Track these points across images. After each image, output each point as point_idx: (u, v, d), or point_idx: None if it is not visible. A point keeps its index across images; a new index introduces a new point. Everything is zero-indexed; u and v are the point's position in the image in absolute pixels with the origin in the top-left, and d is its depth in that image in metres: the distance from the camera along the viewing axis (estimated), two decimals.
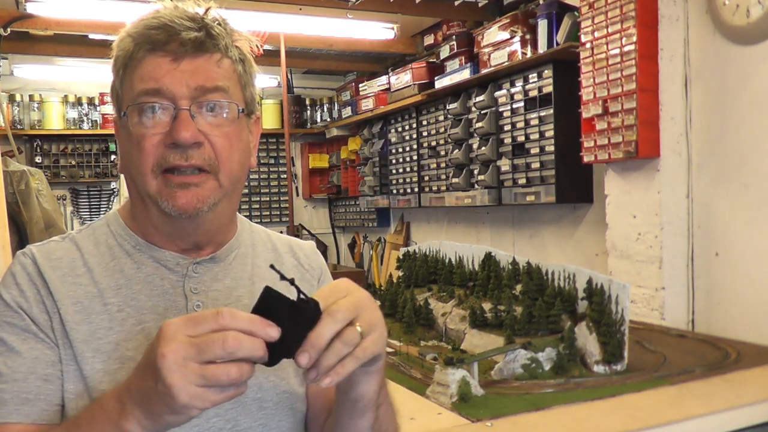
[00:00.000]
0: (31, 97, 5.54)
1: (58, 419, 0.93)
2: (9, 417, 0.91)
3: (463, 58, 4.10)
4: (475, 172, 3.93)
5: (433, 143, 4.48)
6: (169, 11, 0.96)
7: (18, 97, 5.50)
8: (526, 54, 3.49)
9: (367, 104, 5.20)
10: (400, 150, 4.91)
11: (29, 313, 0.95)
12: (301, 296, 0.77)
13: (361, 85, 5.35)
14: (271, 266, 0.81)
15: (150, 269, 1.02)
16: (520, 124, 3.54)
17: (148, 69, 0.95)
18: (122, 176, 5.81)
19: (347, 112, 5.64)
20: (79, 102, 5.65)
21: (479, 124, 3.80)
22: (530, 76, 3.46)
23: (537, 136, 3.40)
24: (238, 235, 1.11)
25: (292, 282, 0.78)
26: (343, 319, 0.78)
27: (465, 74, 3.98)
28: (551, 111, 3.30)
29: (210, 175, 0.96)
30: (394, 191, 5.00)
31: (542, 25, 3.37)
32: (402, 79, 4.70)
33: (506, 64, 3.57)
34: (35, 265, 0.99)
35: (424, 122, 4.61)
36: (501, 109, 3.69)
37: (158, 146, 0.95)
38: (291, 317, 0.76)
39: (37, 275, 0.98)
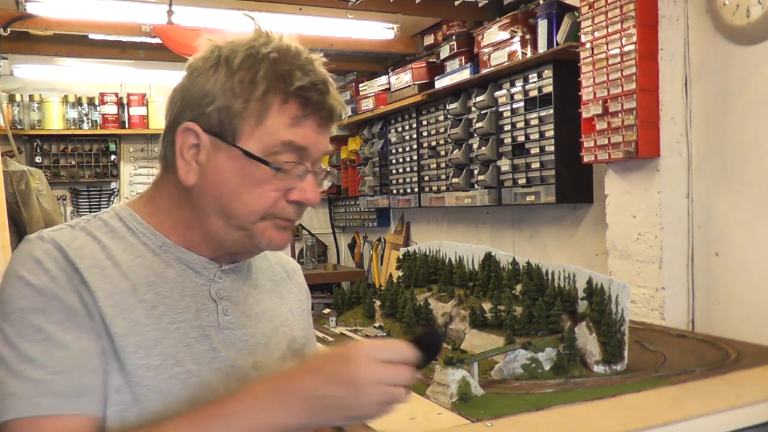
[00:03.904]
0: (31, 97, 5.53)
1: (104, 412, 0.91)
2: (64, 409, 0.87)
3: (463, 58, 4.09)
4: (475, 172, 3.93)
5: (433, 143, 4.48)
6: (305, 54, 1.06)
7: (18, 97, 5.49)
8: (526, 54, 3.48)
9: (367, 104, 5.20)
10: (400, 150, 4.91)
11: (67, 300, 0.90)
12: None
13: (361, 85, 5.35)
14: (436, 329, 1.09)
15: (178, 270, 1.02)
16: (520, 124, 3.54)
17: (304, 131, 0.99)
18: (122, 176, 5.74)
19: (347, 112, 5.64)
20: (79, 102, 5.64)
21: (479, 124, 3.80)
22: (530, 76, 3.46)
23: (537, 136, 3.40)
24: None
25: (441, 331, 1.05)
26: None
27: (465, 74, 3.98)
28: (551, 111, 3.30)
29: None
30: (394, 191, 5.00)
31: (542, 25, 3.37)
32: (402, 79, 4.69)
33: (506, 64, 3.56)
34: (61, 252, 0.93)
35: (424, 122, 4.60)
36: (501, 109, 3.68)
37: (280, 199, 1.00)
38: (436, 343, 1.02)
39: (66, 263, 0.92)
